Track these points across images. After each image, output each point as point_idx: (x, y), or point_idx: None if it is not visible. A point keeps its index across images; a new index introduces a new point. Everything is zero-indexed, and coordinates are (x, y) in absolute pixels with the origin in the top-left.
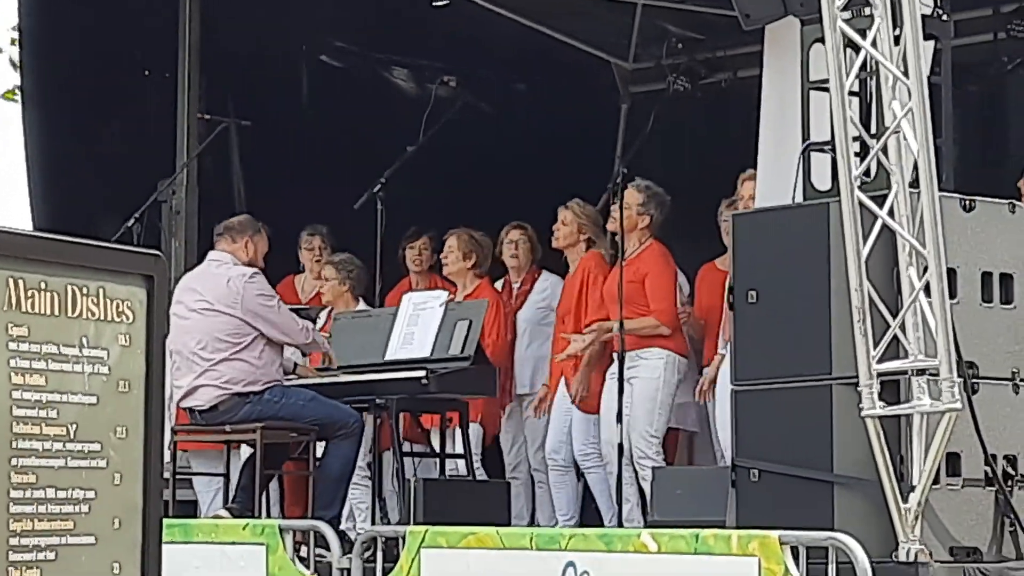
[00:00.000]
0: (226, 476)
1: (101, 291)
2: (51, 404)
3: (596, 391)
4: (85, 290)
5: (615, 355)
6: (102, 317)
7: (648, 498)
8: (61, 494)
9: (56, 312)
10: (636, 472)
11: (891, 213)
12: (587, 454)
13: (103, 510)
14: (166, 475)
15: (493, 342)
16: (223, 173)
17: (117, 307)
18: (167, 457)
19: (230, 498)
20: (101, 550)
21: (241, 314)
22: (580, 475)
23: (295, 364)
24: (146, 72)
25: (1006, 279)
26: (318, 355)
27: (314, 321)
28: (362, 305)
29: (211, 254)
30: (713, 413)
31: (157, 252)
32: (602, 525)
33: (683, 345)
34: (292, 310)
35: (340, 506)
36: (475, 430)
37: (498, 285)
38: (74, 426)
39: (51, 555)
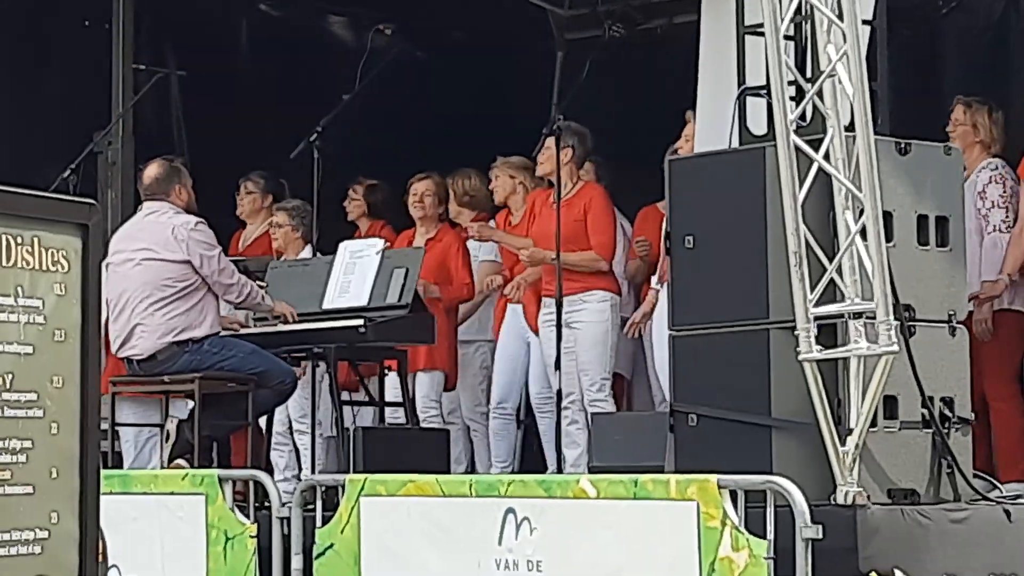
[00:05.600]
0: (162, 427)
1: (36, 240)
2: None
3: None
4: (19, 239)
5: (546, 299)
6: (37, 266)
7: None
8: None
9: None
10: (589, 417)
11: (827, 157)
12: (546, 397)
13: (40, 460)
14: (103, 426)
15: (460, 285)
16: (161, 123)
17: (52, 256)
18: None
19: (171, 447)
20: (39, 500)
21: (184, 261)
22: (518, 423)
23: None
24: (85, 23)
25: (942, 221)
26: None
27: (259, 274)
28: (308, 252)
29: (147, 204)
30: (651, 356)
31: (92, 201)
32: (545, 471)
33: (617, 286)
34: (239, 262)
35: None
36: (436, 377)
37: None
38: (10, 376)
39: None
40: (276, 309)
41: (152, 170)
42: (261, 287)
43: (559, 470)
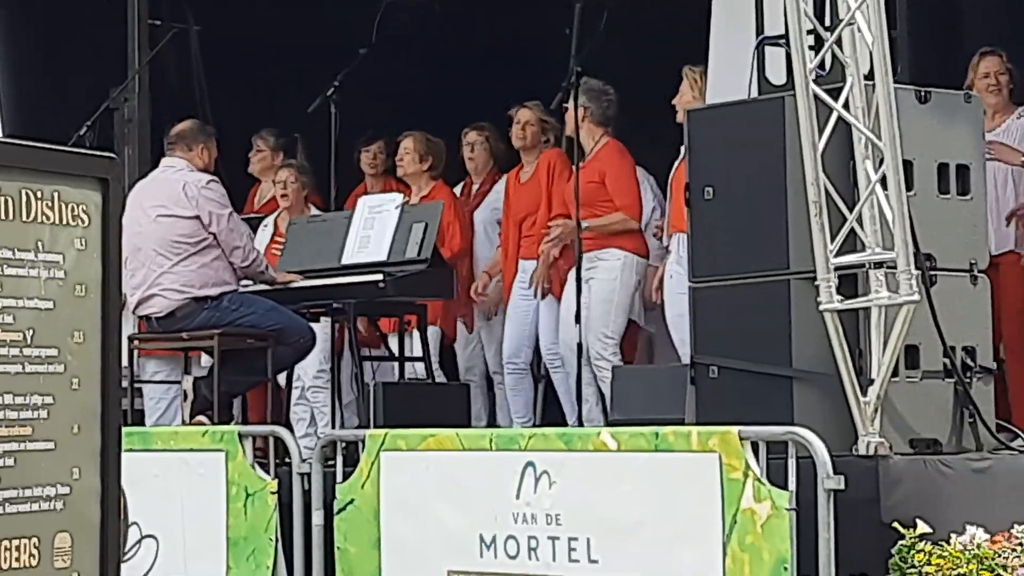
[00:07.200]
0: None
1: (56, 195)
2: (7, 309)
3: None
4: (39, 194)
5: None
6: (57, 221)
7: (607, 398)
8: (19, 400)
9: (10, 217)
10: (595, 373)
11: (846, 106)
12: (554, 352)
13: (62, 415)
14: (125, 384)
15: (450, 243)
16: (180, 79)
17: (72, 211)
18: (124, 364)
19: (190, 404)
20: (60, 455)
21: (195, 217)
22: (536, 378)
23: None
24: None
25: (962, 170)
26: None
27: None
28: (313, 211)
29: (165, 160)
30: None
31: (112, 155)
32: (565, 425)
33: (642, 246)
34: (254, 218)
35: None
36: (433, 332)
37: (459, 188)
38: (31, 331)
39: (10, 461)
40: (279, 279)
41: (183, 124)
42: (278, 242)
43: (579, 422)
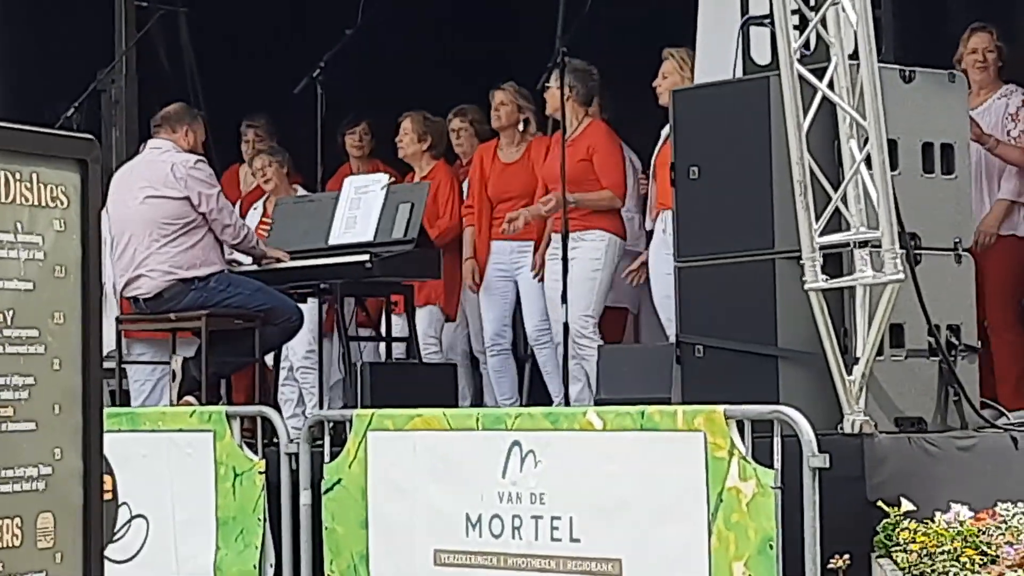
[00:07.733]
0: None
1: (34, 176)
2: None
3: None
4: (18, 175)
5: (554, 235)
6: (36, 203)
7: (591, 377)
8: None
9: None
10: (577, 353)
11: (831, 85)
12: (542, 331)
13: (43, 396)
14: (112, 365)
15: (443, 222)
16: (168, 61)
17: (51, 192)
18: (112, 347)
19: (178, 385)
20: (42, 436)
21: (184, 198)
22: (521, 359)
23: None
24: None
25: (947, 149)
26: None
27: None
28: (300, 191)
29: (151, 142)
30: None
31: (90, 136)
32: (550, 405)
33: (622, 228)
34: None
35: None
36: (433, 312)
37: None
38: (10, 312)
39: None
40: (269, 253)
41: (170, 106)
42: (266, 223)
43: (566, 402)
